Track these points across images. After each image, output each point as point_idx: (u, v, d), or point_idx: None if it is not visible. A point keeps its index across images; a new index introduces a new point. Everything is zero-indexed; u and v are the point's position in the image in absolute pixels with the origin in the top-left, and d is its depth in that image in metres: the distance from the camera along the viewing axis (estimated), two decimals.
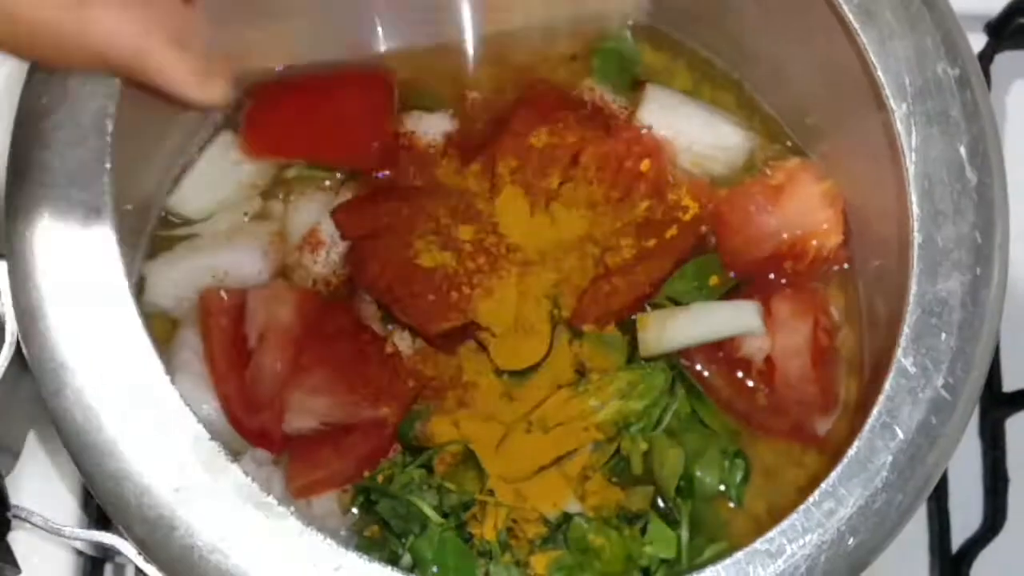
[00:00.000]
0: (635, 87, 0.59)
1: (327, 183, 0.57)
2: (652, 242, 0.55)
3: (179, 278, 0.55)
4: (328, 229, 0.56)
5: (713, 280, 0.55)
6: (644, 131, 0.57)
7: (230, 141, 0.58)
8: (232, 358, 0.53)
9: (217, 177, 0.57)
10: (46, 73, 0.44)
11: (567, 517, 0.50)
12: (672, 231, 0.55)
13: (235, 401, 0.53)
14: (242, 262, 0.55)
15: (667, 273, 0.55)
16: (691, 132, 0.57)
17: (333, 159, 0.57)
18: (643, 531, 0.50)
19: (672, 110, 0.57)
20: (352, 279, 0.55)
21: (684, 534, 0.50)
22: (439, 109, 0.58)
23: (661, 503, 0.52)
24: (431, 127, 0.57)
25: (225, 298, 0.54)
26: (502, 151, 0.55)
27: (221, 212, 0.57)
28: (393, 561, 0.49)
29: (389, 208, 0.54)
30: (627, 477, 0.52)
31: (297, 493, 0.51)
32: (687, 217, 0.55)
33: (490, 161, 0.55)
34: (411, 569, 0.48)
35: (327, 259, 0.56)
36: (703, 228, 0.55)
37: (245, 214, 0.57)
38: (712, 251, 0.56)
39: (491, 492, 0.50)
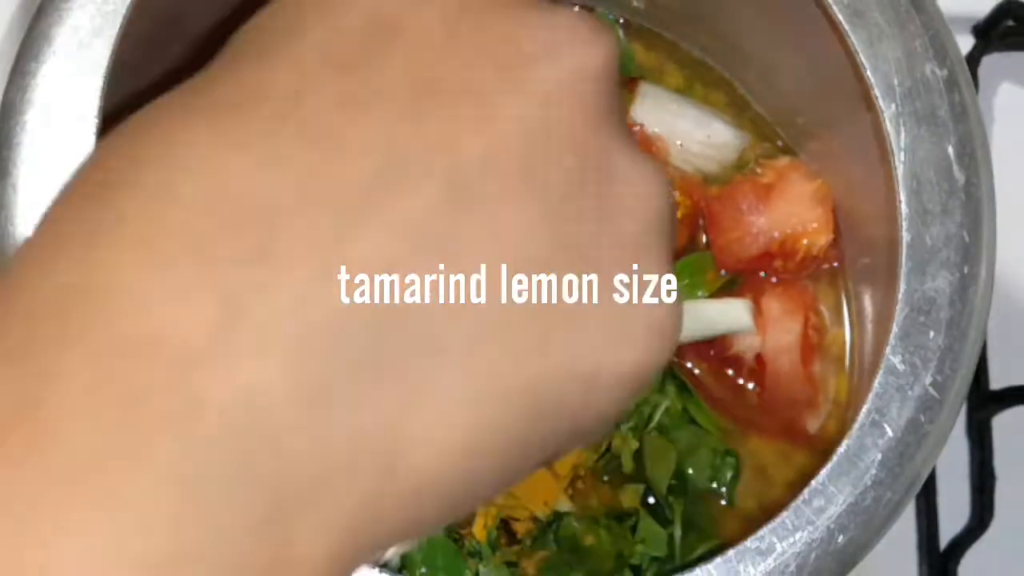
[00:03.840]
0: (627, 84, 0.59)
1: None
2: None
3: None
4: None
5: (705, 278, 0.55)
6: (635, 129, 0.57)
7: None
8: None
9: None
10: (31, 67, 0.44)
11: (557, 516, 0.50)
12: None
13: None
14: None
15: None
16: (683, 130, 0.57)
17: None
18: (633, 529, 0.50)
19: (664, 108, 0.57)
20: None
21: (677, 532, 0.50)
22: None
23: (651, 500, 0.52)
24: None
25: None
26: None
27: None
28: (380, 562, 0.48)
29: None
30: (617, 475, 0.52)
31: None
32: (679, 215, 0.55)
33: None
34: (399, 570, 0.48)
35: None
36: (696, 225, 0.56)
37: None
38: (703, 249, 0.56)
39: None
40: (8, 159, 0.43)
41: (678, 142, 0.57)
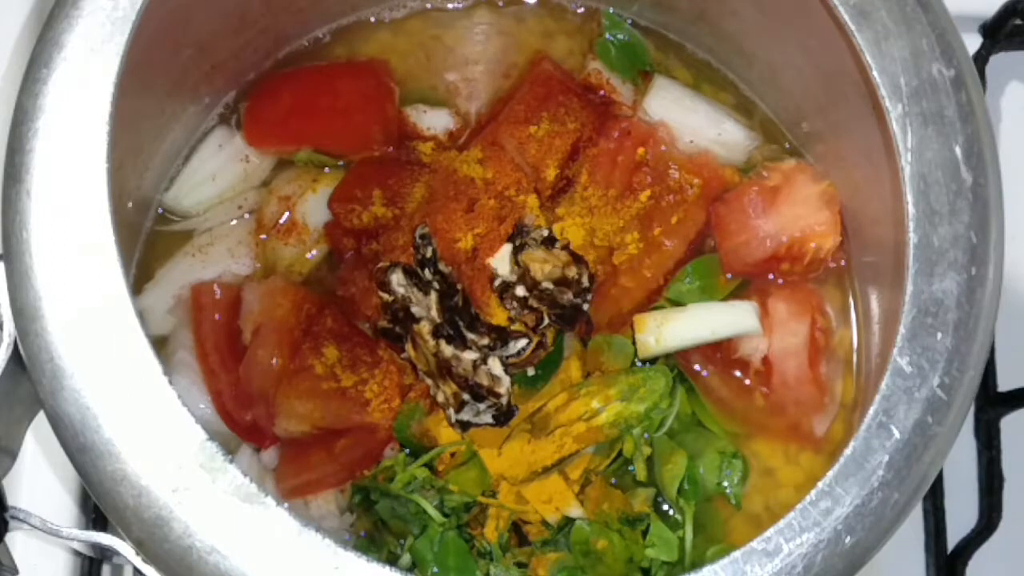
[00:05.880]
0: (643, 77, 0.58)
1: (327, 169, 0.57)
2: (658, 230, 0.54)
3: (174, 292, 0.55)
4: (302, 211, 0.55)
5: (715, 281, 0.55)
6: (636, 119, 0.56)
7: (224, 138, 0.58)
8: (224, 353, 0.53)
9: (211, 173, 0.57)
10: (42, 73, 0.44)
11: (568, 520, 0.50)
12: (679, 215, 0.54)
13: (227, 396, 0.53)
14: (234, 268, 0.56)
15: (681, 259, 0.54)
16: (695, 125, 0.57)
17: (337, 146, 0.57)
18: (644, 533, 0.50)
19: (678, 102, 0.57)
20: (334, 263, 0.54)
21: (688, 535, 0.50)
22: (440, 106, 0.58)
23: (663, 506, 0.52)
24: (433, 122, 0.57)
25: (218, 293, 0.54)
26: (502, 136, 0.55)
27: (217, 206, 0.57)
28: (392, 561, 0.49)
29: (391, 190, 0.53)
30: (628, 480, 0.52)
31: (287, 494, 0.51)
32: (692, 196, 0.55)
33: (489, 143, 0.55)
34: (410, 569, 0.48)
35: (300, 242, 0.56)
36: (709, 205, 0.54)
37: (240, 207, 0.57)
38: (712, 252, 0.56)
39: (493, 494, 0.50)
40: (21, 165, 0.44)
41: (689, 137, 0.56)
